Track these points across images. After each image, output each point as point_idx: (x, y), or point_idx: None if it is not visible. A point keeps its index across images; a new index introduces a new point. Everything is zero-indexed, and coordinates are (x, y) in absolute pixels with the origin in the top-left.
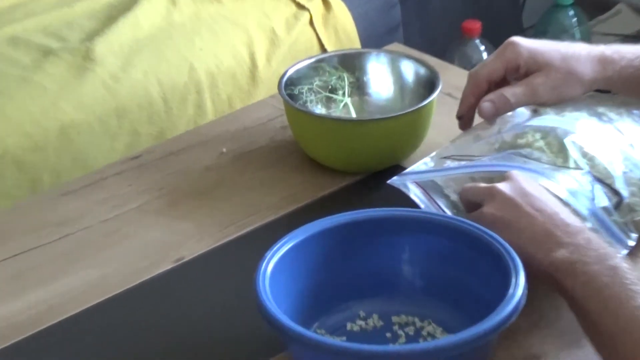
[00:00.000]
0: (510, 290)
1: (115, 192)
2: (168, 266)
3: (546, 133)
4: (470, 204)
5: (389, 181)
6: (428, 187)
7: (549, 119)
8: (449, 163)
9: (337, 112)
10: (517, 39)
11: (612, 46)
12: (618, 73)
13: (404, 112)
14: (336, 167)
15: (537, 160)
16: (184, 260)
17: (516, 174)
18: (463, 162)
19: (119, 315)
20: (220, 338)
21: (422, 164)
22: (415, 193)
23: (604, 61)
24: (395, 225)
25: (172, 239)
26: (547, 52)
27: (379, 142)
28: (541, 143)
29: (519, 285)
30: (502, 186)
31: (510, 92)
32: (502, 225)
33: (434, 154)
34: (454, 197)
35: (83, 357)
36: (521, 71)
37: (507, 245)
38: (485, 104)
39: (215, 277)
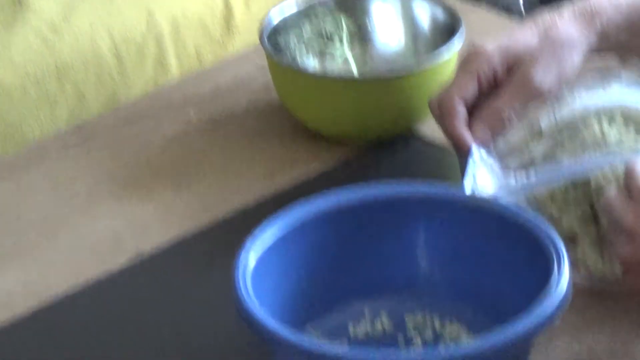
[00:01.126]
0: (552, 285)
1: (56, 171)
2: (123, 263)
3: (611, 113)
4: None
5: None
6: None
7: (588, 98)
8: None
9: (334, 67)
10: (477, 44)
11: (588, 1)
12: (608, 22)
13: (418, 66)
14: (334, 136)
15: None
16: (144, 255)
17: None
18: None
19: (61, 325)
20: (192, 351)
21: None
22: None
23: (585, 16)
24: (407, 205)
25: (128, 229)
26: (519, 37)
27: (387, 104)
28: (614, 130)
29: (562, 278)
30: (638, 219)
31: (501, 101)
32: None
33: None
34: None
35: None
36: (499, 75)
37: (551, 231)
38: (477, 131)
39: (183, 275)
